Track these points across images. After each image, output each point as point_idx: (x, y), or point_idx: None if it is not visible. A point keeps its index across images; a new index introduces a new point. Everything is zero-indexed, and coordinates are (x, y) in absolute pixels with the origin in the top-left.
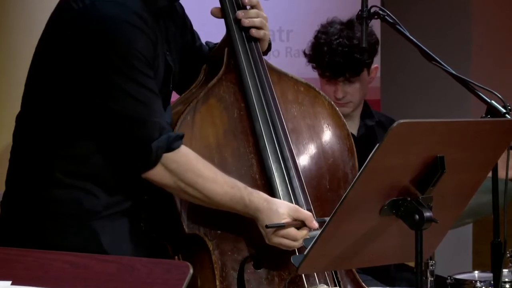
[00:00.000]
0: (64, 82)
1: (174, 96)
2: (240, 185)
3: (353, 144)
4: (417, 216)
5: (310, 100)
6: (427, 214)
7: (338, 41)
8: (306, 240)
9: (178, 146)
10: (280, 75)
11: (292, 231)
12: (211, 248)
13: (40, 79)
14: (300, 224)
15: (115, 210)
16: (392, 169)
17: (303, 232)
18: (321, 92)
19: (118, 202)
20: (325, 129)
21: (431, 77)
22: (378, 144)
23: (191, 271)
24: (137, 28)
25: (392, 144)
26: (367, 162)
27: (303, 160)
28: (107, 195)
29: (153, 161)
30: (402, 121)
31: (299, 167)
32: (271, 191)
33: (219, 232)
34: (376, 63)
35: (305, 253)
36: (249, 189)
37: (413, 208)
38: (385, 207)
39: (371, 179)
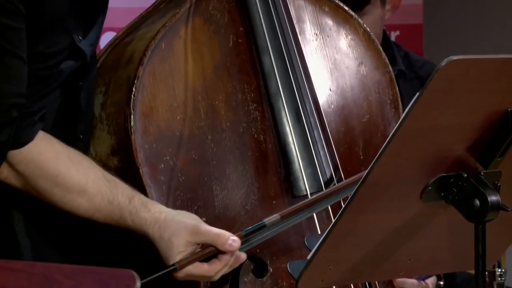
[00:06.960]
0: None
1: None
2: (123, 197)
3: (398, 94)
4: (477, 201)
5: (339, 26)
6: (493, 198)
7: None
8: (310, 239)
9: (27, 140)
10: None
11: (197, 268)
12: None
13: None
14: (211, 251)
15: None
16: (439, 130)
17: (218, 265)
18: (354, 15)
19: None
20: (358, 70)
21: None
22: (417, 94)
23: (138, 284)
24: None
25: (439, 94)
26: (401, 121)
27: (327, 116)
28: None
29: None
30: (454, 57)
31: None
32: (285, 160)
33: (203, 220)
34: None
35: (308, 257)
36: (138, 201)
37: (472, 189)
38: (429, 188)
39: (406, 146)
